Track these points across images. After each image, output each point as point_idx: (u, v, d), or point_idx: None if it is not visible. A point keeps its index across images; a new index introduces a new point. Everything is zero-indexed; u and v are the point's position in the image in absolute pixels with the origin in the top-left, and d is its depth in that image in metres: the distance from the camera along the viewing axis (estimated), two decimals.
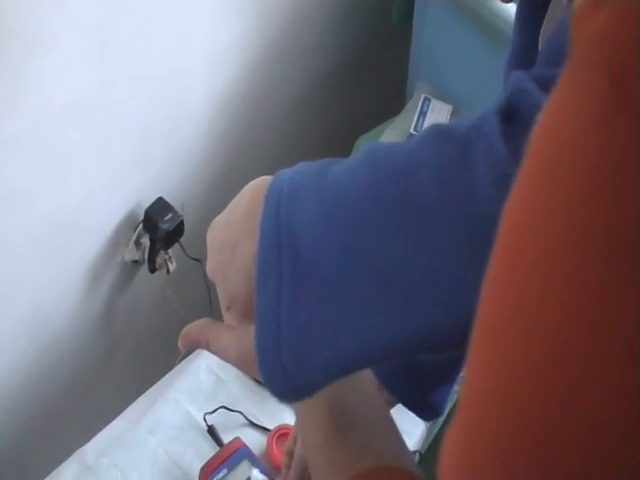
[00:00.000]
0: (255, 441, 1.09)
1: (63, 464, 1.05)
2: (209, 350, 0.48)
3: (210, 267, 0.46)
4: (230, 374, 1.18)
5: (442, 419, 1.31)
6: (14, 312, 1.12)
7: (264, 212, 0.39)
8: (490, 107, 0.37)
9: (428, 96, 1.57)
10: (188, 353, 1.26)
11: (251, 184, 0.45)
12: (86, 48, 0.98)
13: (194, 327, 0.49)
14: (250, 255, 0.40)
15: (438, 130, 0.37)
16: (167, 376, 1.19)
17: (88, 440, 1.08)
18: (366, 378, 0.52)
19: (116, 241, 1.31)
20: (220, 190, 1.54)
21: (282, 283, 0.38)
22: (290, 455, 0.54)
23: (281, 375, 0.38)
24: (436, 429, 1.23)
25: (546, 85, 0.35)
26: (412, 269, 0.35)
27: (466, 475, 0.25)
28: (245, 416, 1.12)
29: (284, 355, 0.38)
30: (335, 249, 0.36)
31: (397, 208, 0.35)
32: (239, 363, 0.45)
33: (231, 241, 0.43)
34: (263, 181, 0.43)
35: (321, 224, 0.37)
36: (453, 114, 1.56)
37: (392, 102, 1.73)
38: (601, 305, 0.20)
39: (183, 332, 0.50)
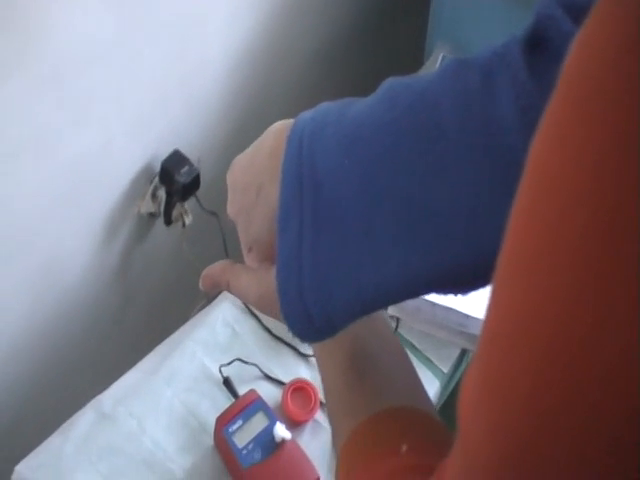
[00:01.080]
0: (270, 394, 1.10)
1: (79, 412, 1.07)
2: (229, 291, 0.48)
3: (232, 209, 0.46)
4: (246, 327, 1.18)
5: (456, 378, 1.32)
6: (30, 260, 1.13)
7: (286, 153, 0.39)
8: (514, 35, 0.36)
9: (447, 55, 1.54)
10: (203, 306, 1.27)
11: (274, 126, 0.45)
12: None
13: (214, 268, 0.49)
14: (275, 199, 0.40)
15: (459, 62, 0.36)
16: (183, 327, 1.19)
17: (104, 389, 1.09)
18: (384, 322, 0.52)
19: (132, 193, 1.31)
20: (236, 144, 1.51)
21: (303, 224, 0.38)
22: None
23: (302, 315, 0.39)
24: (450, 387, 1.24)
25: (575, 13, 0.34)
26: (433, 203, 0.34)
27: (489, 407, 0.25)
28: (260, 369, 1.13)
29: (305, 295, 0.38)
30: (356, 185, 0.36)
31: (417, 141, 0.35)
32: (259, 304, 0.46)
33: (255, 184, 0.43)
34: (286, 123, 0.43)
35: (342, 161, 0.37)
36: None
37: (410, 60, 1.70)
38: None
39: (204, 273, 0.50)
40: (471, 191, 0.34)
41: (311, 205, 0.37)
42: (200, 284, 0.51)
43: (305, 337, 0.41)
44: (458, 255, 0.34)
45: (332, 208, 0.37)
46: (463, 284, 0.37)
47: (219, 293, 1.26)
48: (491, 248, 0.33)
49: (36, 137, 0.98)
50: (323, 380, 0.50)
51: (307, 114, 0.41)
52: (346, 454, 0.44)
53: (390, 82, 0.38)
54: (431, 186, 0.34)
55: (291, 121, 0.42)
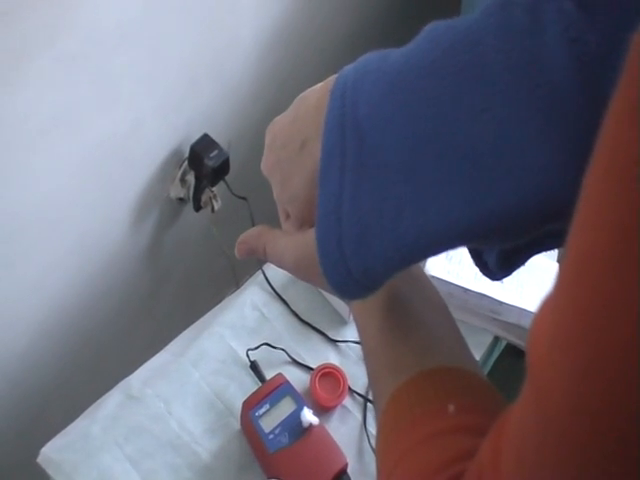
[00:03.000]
0: (297, 379, 1.08)
1: (108, 393, 1.06)
2: (266, 257, 0.48)
3: (267, 163, 0.46)
4: (274, 311, 1.17)
5: (489, 366, 1.29)
6: (61, 240, 1.13)
7: (329, 105, 0.39)
8: None
9: None
10: (233, 290, 1.25)
11: (319, 84, 0.44)
12: None
13: (250, 234, 0.49)
14: (319, 154, 0.39)
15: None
16: (212, 311, 1.18)
17: (133, 371, 1.09)
18: (427, 280, 0.50)
19: (162, 176, 1.30)
20: (266, 129, 1.51)
21: (345, 173, 0.37)
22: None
23: (341, 267, 0.38)
24: (489, 365, 1.21)
25: None
26: (478, 144, 0.33)
27: (578, 351, 0.23)
28: (288, 353, 1.11)
29: (344, 245, 0.37)
30: (398, 130, 0.35)
31: (461, 82, 0.33)
32: (296, 269, 0.45)
33: (299, 138, 0.42)
34: (329, 80, 0.42)
35: (384, 107, 0.36)
36: None
37: None
38: None
39: (240, 239, 0.50)
40: (517, 130, 0.32)
41: (353, 153, 0.36)
42: (236, 251, 0.50)
43: (345, 292, 0.40)
44: (501, 198, 0.33)
45: (374, 155, 0.36)
46: (503, 233, 0.35)
47: (248, 277, 1.25)
48: (535, 190, 0.32)
49: (66, 115, 0.98)
50: (363, 340, 0.49)
51: (349, 67, 0.40)
52: (388, 414, 0.42)
53: (431, 25, 0.37)
54: (476, 127, 0.33)
55: (334, 77, 0.41)
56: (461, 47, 0.34)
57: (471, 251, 0.44)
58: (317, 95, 0.42)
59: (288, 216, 0.48)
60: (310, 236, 0.40)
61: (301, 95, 0.45)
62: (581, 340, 0.23)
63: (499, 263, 0.42)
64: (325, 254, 0.38)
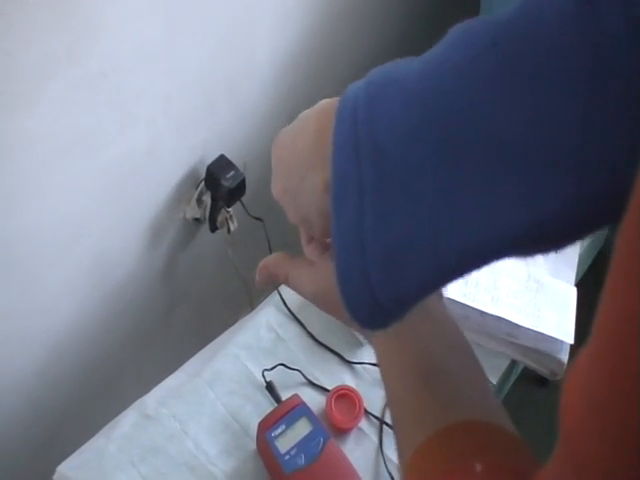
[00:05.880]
0: (313, 400, 1.07)
1: (123, 412, 1.06)
2: (286, 284, 0.47)
3: (276, 189, 0.45)
4: (290, 332, 1.17)
5: (505, 390, 1.28)
6: (76, 260, 1.13)
7: (337, 128, 0.36)
8: None
9: None
10: (248, 311, 1.25)
11: (318, 105, 0.42)
12: None
13: (271, 260, 0.48)
14: (320, 186, 0.38)
15: None
16: (227, 331, 1.18)
17: (148, 391, 1.08)
18: (451, 323, 0.47)
19: (178, 197, 1.31)
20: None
21: (364, 197, 0.34)
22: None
23: (367, 298, 0.35)
24: (500, 399, 1.20)
25: None
26: (530, 145, 0.31)
27: (614, 417, 0.22)
28: (304, 375, 1.11)
29: (371, 275, 0.35)
30: (432, 143, 0.32)
31: (508, 79, 0.31)
32: (316, 299, 0.45)
33: (299, 171, 0.41)
34: (330, 101, 0.40)
35: (411, 119, 0.33)
36: None
37: None
38: None
39: (260, 265, 0.49)
40: (575, 123, 0.30)
41: (373, 173, 0.34)
42: (256, 276, 0.49)
43: (368, 324, 0.37)
44: (563, 196, 0.30)
45: (400, 173, 0.33)
46: (551, 239, 0.33)
47: (263, 298, 1.25)
48: (589, 191, 0.30)
49: (83, 135, 0.99)
50: (386, 384, 0.47)
51: (358, 82, 0.38)
52: (413, 468, 0.40)
53: (457, 27, 0.34)
54: (529, 126, 0.30)
55: (336, 99, 0.39)
56: (504, 41, 0.31)
57: None
58: (316, 121, 0.40)
59: (311, 239, 0.47)
60: (330, 269, 0.38)
61: (304, 113, 0.43)
62: (618, 409, 0.22)
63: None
64: (347, 287, 0.36)
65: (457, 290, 1.19)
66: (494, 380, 1.15)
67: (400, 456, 0.43)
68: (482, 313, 1.17)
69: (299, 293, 0.47)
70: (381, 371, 0.47)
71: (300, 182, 0.41)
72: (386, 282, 0.35)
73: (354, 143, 0.35)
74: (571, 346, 1.15)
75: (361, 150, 0.34)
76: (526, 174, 0.31)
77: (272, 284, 0.49)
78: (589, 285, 1.32)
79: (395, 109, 0.34)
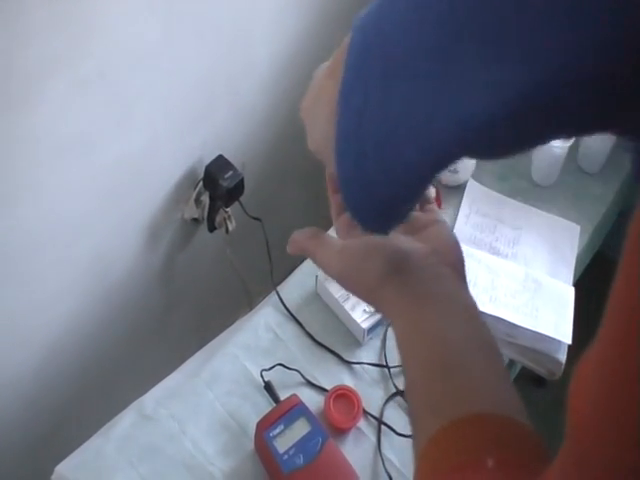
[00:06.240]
0: (312, 400, 1.08)
1: (121, 413, 1.06)
2: (313, 260, 0.50)
3: (303, 105, 0.46)
4: (288, 332, 1.17)
5: None
6: (75, 259, 1.13)
7: (352, 39, 0.38)
8: None
9: None
10: (246, 312, 1.25)
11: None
12: None
13: (304, 234, 0.51)
14: (333, 89, 0.39)
15: None
16: (226, 331, 1.18)
17: (147, 391, 1.08)
18: (474, 313, 0.47)
19: (176, 197, 1.31)
20: (281, 150, 1.52)
21: (369, 88, 0.36)
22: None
23: (368, 190, 0.38)
24: None
25: None
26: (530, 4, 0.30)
27: (620, 413, 0.23)
28: (302, 375, 1.11)
29: (369, 155, 0.36)
30: (433, 17, 0.33)
31: None
32: (340, 279, 0.47)
33: (316, 86, 0.44)
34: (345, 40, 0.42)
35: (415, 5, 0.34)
36: None
37: None
38: None
39: (292, 238, 0.51)
40: None
41: (379, 63, 0.35)
42: (288, 247, 0.52)
43: (370, 220, 0.40)
44: (555, 56, 0.30)
45: (403, 60, 0.34)
46: (553, 111, 0.32)
47: (262, 298, 1.25)
48: (591, 42, 0.29)
49: (82, 136, 0.99)
50: (405, 368, 0.47)
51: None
52: (427, 458, 0.40)
53: None
54: None
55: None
56: None
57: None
58: (343, 45, 0.41)
59: (341, 212, 0.50)
60: (356, 248, 0.41)
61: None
62: (624, 409, 0.23)
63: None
64: (346, 172, 0.38)
65: None
66: None
67: (415, 444, 0.43)
68: (480, 313, 1.17)
69: (325, 271, 0.48)
70: (401, 357, 0.47)
71: (317, 91, 0.43)
72: (382, 165, 0.36)
73: (364, 44, 0.37)
74: (569, 346, 1.15)
75: (371, 48, 0.36)
76: (527, 31, 0.30)
77: (301, 256, 0.51)
78: (587, 285, 1.32)
79: (399, 8, 0.35)
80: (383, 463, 1.04)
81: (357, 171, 0.37)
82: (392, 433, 1.07)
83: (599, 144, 1.40)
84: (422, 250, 0.48)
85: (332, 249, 0.47)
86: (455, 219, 1.35)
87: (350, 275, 0.45)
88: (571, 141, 1.36)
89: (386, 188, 0.37)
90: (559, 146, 1.34)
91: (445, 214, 1.33)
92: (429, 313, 0.45)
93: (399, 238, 0.49)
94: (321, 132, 0.42)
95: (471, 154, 0.36)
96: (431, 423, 0.41)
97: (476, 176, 1.39)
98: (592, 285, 1.50)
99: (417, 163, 0.35)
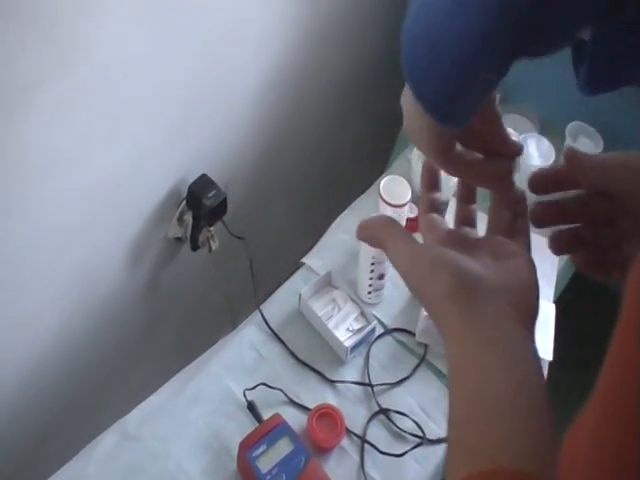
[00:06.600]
0: (295, 419, 1.08)
1: (103, 433, 1.05)
2: (382, 250, 0.48)
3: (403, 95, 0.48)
4: (272, 351, 1.17)
5: None
6: (60, 277, 1.13)
7: None
8: None
9: None
10: (229, 331, 1.25)
11: None
12: (138, 13, 0.97)
13: (376, 222, 0.49)
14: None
15: None
16: (209, 351, 1.18)
17: (130, 410, 1.08)
18: (532, 362, 0.43)
19: (160, 216, 1.31)
20: (264, 169, 1.53)
21: None
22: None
23: (433, 65, 0.40)
24: None
25: None
26: None
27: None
28: (285, 394, 1.11)
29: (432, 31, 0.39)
30: None
31: None
32: (407, 277, 0.45)
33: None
34: None
35: None
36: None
37: None
38: None
39: (363, 223, 0.50)
40: None
41: None
42: (356, 232, 0.50)
43: (442, 110, 0.42)
44: None
45: None
46: None
47: (245, 317, 1.25)
48: None
49: (69, 150, 0.99)
50: (450, 400, 0.44)
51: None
52: None
53: None
54: None
55: None
56: None
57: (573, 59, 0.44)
58: None
59: (428, 210, 0.50)
60: (428, 250, 0.42)
61: None
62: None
63: (588, 76, 0.42)
64: (413, 55, 0.41)
65: None
66: None
67: (447, 473, 0.42)
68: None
69: (392, 263, 0.47)
70: (449, 381, 0.45)
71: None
72: (448, 37, 0.39)
73: None
74: (550, 362, 1.16)
75: None
76: None
77: (369, 242, 0.49)
78: (567, 302, 1.33)
79: None
80: None
81: (425, 46, 0.40)
82: (375, 451, 1.07)
83: None
84: (494, 282, 0.44)
85: (404, 245, 0.46)
86: None
87: (416, 279, 0.44)
88: (551, 160, 1.38)
89: (451, 46, 0.39)
90: (538, 165, 1.36)
91: None
92: (484, 353, 0.42)
93: (475, 261, 0.45)
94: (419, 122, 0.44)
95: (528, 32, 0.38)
96: (462, 463, 0.40)
97: None
98: (573, 302, 1.52)
99: (481, 22, 0.38)
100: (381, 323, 1.23)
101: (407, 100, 0.47)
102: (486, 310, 0.43)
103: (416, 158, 1.40)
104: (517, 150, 0.50)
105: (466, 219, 0.53)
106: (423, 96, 0.43)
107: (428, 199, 0.51)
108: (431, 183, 0.52)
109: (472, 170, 0.50)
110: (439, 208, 0.52)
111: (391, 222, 0.48)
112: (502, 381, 0.42)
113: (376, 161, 1.71)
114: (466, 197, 0.53)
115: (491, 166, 0.50)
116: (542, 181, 0.51)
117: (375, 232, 0.48)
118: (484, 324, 0.43)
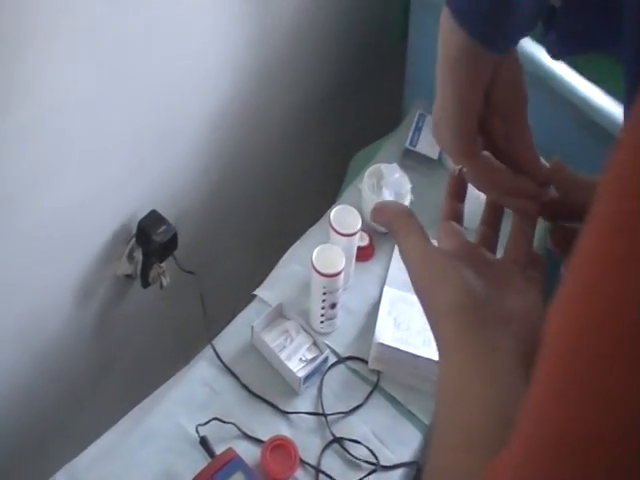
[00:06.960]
0: (248, 453, 1.07)
1: (52, 477, 1.03)
2: (396, 239, 0.47)
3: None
4: (224, 385, 1.16)
5: None
6: (6, 317, 1.11)
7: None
8: None
9: (423, 112, 1.57)
10: (182, 367, 1.24)
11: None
12: (82, 51, 0.98)
13: (392, 208, 0.48)
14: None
15: None
16: (161, 388, 1.17)
17: (81, 451, 1.06)
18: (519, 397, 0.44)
19: (108, 254, 1.30)
20: (214, 203, 1.53)
21: None
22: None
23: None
24: None
25: None
26: None
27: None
28: (238, 427, 1.10)
29: None
30: None
31: None
32: (412, 274, 0.44)
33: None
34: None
35: None
36: None
37: (389, 118, 1.73)
38: None
39: (379, 206, 0.49)
40: None
41: None
42: (370, 214, 0.49)
43: (484, 32, 0.42)
44: None
45: None
46: None
47: (197, 352, 1.24)
48: None
49: (11, 188, 0.98)
50: (436, 408, 0.43)
51: None
52: None
53: None
54: None
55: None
56: None
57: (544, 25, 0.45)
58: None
59: (448, 216, 0.49)
60: (440, 261, 0.42)
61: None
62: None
63: (558, 40, 0.43)
64: None
65: (389, 335, 1.20)
66: (427, 421, 1.16)
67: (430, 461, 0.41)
68: (415, 357, 1.19)
69: (400, 256, 0.46)
70: (437, 401, 0.43)
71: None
72: None
73: None
74: None
75: None
76: None
77: (383, 227, 0.48)
78: None
79: None
80: None
81: None
82: None
83: None
84: (499, 309, 0.42)
85: (416, 241, 0.44)
86: (388, 265, 1.37)
87: (426, 281, 0.42)
88: None
89: None
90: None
91: (378, 260, 1.35)
92: (477, 383, 0.41)
93: (483, 284, 0.43)
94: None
95: None
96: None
97: None
98: None
99: None
100: (334, 352, 1.23)
101: (437, 102, 0.47)
102: (486, 335, 0.41)
103: (366, 188, 1.41)
104: (544, 176, 0.48)
105: (487, 243, 0.50)
106: (466, 17, 0.43)
107: (451, 207, 0.50)
108: (456, 193, 0.51)
109: (497, 178, 0.49)
110: (460, 218, 0.51)
111: (406, 212, 0.47)
112: (491, 419, 0.40)
113: (327, 192, 1.72)
114: (492, 221, 0.51)
115: (519, 179, 0.48)
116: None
117: (390, 218, 0.47)
118: (483, 351, 0.41)
